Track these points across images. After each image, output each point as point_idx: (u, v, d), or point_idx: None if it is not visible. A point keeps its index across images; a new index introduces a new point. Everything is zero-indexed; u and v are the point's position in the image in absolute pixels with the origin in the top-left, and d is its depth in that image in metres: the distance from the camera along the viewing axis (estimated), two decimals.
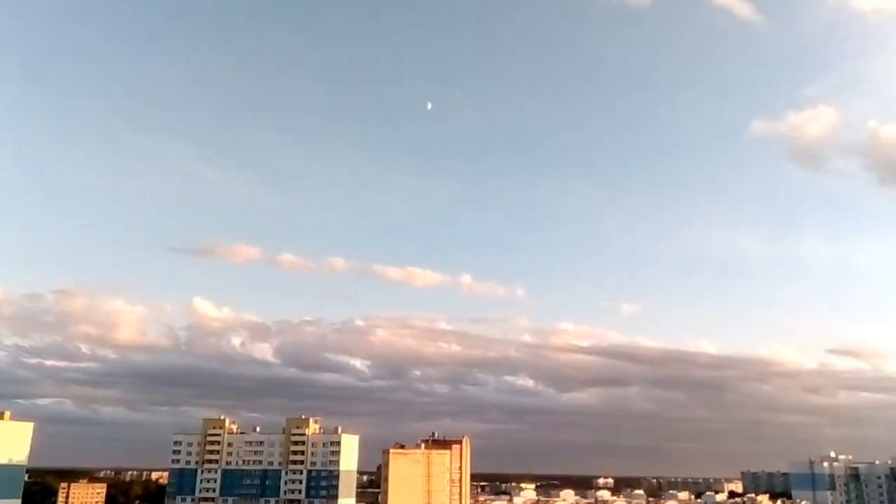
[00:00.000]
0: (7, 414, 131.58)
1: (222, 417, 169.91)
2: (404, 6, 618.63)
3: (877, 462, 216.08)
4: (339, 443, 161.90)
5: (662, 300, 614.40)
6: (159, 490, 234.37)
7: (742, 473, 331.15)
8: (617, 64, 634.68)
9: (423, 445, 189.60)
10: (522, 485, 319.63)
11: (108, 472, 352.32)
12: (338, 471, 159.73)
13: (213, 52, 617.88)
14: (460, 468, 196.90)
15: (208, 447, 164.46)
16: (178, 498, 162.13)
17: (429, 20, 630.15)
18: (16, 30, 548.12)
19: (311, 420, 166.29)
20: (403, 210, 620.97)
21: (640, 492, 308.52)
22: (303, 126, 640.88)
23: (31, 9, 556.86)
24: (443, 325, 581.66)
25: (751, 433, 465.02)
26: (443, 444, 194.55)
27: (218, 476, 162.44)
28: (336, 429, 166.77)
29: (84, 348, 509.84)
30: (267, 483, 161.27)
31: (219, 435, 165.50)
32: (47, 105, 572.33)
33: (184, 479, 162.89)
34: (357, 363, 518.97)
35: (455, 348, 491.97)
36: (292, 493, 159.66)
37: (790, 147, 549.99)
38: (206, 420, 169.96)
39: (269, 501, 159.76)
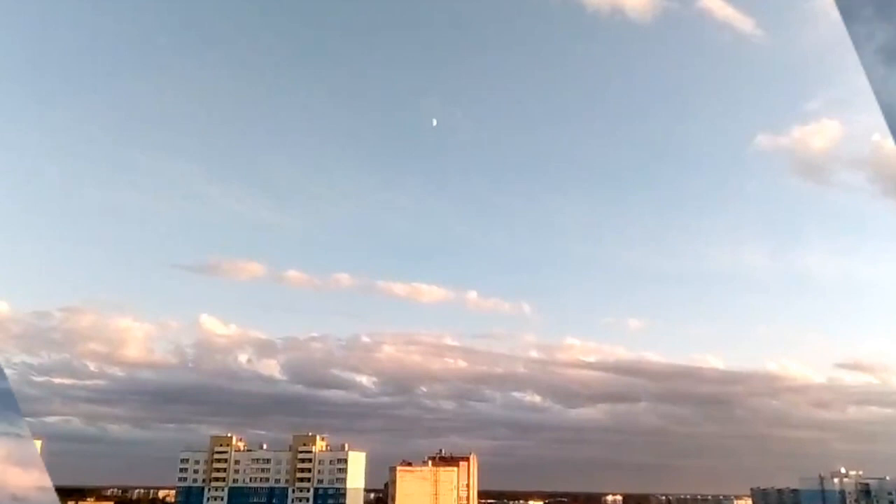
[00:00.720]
0: None
1: (229, 435, 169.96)
2: (407, 25, 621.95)
3: (888, 478, 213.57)
4: (346, 460, 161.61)
5: (668, 315, 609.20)
6: None
7: (751, 490, 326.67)
8: (620, 81, 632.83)
9: (430, 462, 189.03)
10: (531, 502, 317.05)
11: (116, 490, 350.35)
12: (345, 488, 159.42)
13: (215, 69, 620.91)
14: (468, 485, 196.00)
15: (215, 465, 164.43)
16: None
17: (432, 40, 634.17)
18: (17, 50, 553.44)
19: (317, 437, 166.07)
20: (408, 226, 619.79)
21: None
22: (305, 142, 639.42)
23: (33, 28, 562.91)
24: (449, 341, 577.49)
25: (760, 449, 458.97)
26: (450, 461, 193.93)
27: (225, 494, 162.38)
28: (343, 446, 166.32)
29: (92, 366, 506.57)
30: (274, 501, 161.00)
31: (226, 452, 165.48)
32: (51, 124, 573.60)
33: (191, 498, 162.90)
34: (363, 379, 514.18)
35: (461, 364, 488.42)
36: None
37: (795, 161, 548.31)
38: (213, 437, 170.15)
39: None
